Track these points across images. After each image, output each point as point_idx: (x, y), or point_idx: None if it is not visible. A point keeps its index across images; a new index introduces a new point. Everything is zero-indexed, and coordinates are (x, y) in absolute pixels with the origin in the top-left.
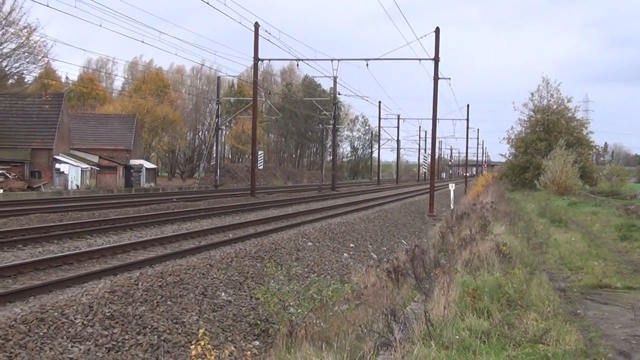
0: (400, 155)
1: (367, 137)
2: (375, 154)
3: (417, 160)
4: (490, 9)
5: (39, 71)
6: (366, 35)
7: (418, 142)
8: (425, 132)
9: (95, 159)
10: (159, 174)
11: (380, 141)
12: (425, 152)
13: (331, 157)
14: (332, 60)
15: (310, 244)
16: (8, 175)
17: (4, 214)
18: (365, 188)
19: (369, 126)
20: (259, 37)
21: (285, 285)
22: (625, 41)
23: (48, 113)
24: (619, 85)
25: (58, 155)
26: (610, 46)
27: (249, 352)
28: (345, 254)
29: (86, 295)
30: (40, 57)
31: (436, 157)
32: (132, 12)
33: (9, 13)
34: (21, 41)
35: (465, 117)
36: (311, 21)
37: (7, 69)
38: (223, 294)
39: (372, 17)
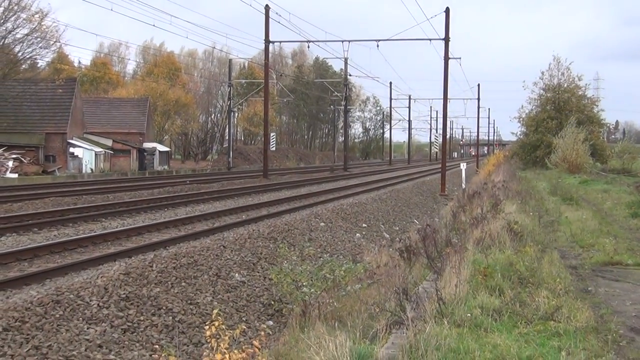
0: (412, 136)
1: (378, 118)
2: (387, 135)
3: (428, 140)
4: None
5: (52, 56)
6: (376, 16)
7: (429, 122)
8: (437, 112)
9: (109, 142)
10: (172, 156)
11: (392, 122)
12: (437, 132)
13: (343, 138)
14: (342, 41)
15: (322, 224)
16: (23, 159)
17: (19, 197)
18: (377, 168)
19: (380, 107)
20: (270, 19)
21: (298, 266)
22: (638, 19)
23: (61, 97)
24: (630, 64)
25: (72, 139)
26: (624, 24)
27: (262, 332)
28: (357, 234)
29: (101, 277)
30: (52, 42)
31: (447, 136)
32: None
33: None
34: (33, 26)
35: (477, 97)
36: (321, 2)
37: (20, 54)
38: (237, 274)
39: None
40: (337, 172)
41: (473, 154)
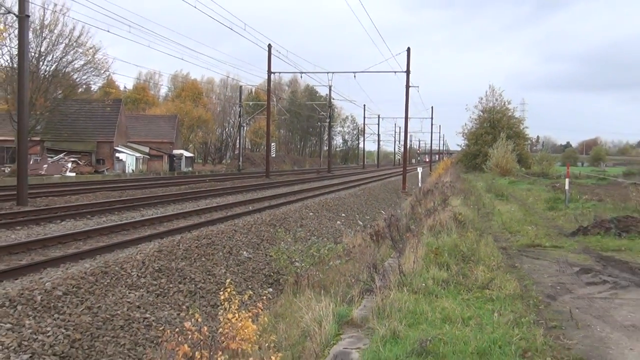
0: (380, 146)
1: (354, 132)
2: (361, 145)
3: (393, 149)
4: (455, 34)
5: (102, 82)
6: (355, 53)
7: (394, 135)
8: (400, 127)
9: (146, 149)
10: (195, 160)
11: (365, 135)
12: (399, 144)
13: (327, 148)
14: (327, 72)
15: (311, 214)
16: (79, 162)
17: (76, 192)
18: (353, 171)
19: (356, 124)
20: (272, 55)
21: (292, 246)
22: (558, 58)
23: (110, 114)
24: (548, 92)
25: (117, 146)
26: (545, 62)
27: (264, 297)
28: (338, 222)
29: (140, 253)
30: (102, 71)
31: (407, 147)
32: (174, 36)
33: (79, 37)
34: (88, 59)
35: (430, 117)
36: (311, 41)
37: (77, 80)
38: (244, 252)
39: (360, 39)
40: (323, 174)
41: (426, 160)
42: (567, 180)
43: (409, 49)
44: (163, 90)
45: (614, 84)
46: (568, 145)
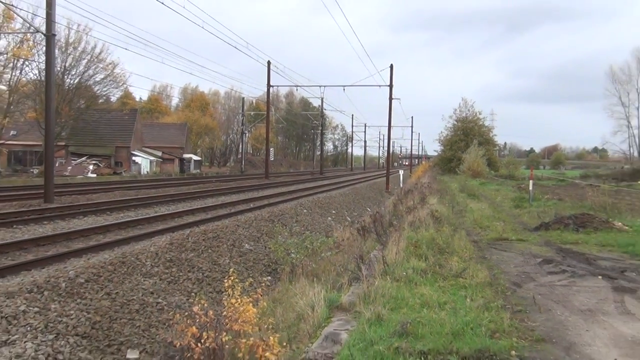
0: (367, 151)
1: (343, 139)
2: (349, 150)
3: (378, 154)
4: (435, 52)
5: (120, 93)
6: (344, 68)
7: (378, 142)
8: (383, 135)
9: (159, 153)
10: (203, 163)
11: (353, 141)
12: (383, 149)
13: (319, 153)
14: (320, 86)
15: (305, 211)
16: (100, 164)
17: (97, 191)
18: (342, 174)
19: (345, 131)
20: (270, 70)
21: (288, 239)
22: (524, 74)
23: (127, 122)
24: (515, 103)
25: (134, 151)
26: (513, 77)
27: (263, 284)
28: (329, 218)
29: (153, 245)
30: (120, 84)
31: (390, 152)
32: (184, 53)
33: (100, 53)
34: (108, 73)
35: (411, 125)
36: (306, 57)
37: (98, 91)
38: (246, 245)
39: (349, 56)
40: (316, 176)
41: (407, 164)
42: (530, 181)
43: (392, 66)
44: (174, 101)
45: (571, 97)
46: (532, 150)
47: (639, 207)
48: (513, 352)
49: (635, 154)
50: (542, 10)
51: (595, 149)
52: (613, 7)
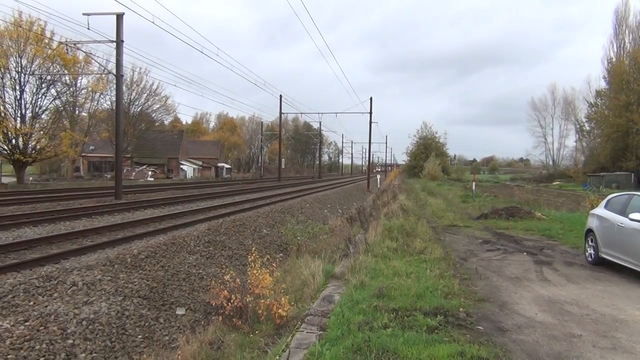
0: (353, 161)
1: (336, 152)
2: (340, 160)
3: (361, 163)
4: (405, 88)
5: (171, 119)
6: (338, 99)
7: (362, 154)
8: (365, 149)
9: (200, 163)
10: (232, 170)
11: (343, 154)
12: (365, 159)
13: (318, 162)
14: (318, 113)
15: (307, 205)
16: (156, 171)
17: (154, 190)
18: (335, 178)
19: (337, 146)
20: (282, 101)
21: (295, 226)
22: (471, 104)
23: (176, 140)
24: (463, 125)
25: (181, 161)
26: (462, 106)
27: (277, 259)
28: (325, 210)
29: (195, 231)
30: (171, 112)
31: (370, 161)
32: (219, 89)
33: (156, 89)
34: (162, 103)
35: (385, 142)
36: (308, 91)
37: (154, 117)
38: (264, 230)
39: (341, 91)
40: (315, 179)
41: (381, 170)
42: (473, 183)
43: (371, 99)
44: (211, 125)
45: (504, 120)
46: (474, 160)
47: (553, 202)
48: (461, 309)
49: (551, 162)
50: (485, 57)
51: (521, 159)
52: (539, 55)
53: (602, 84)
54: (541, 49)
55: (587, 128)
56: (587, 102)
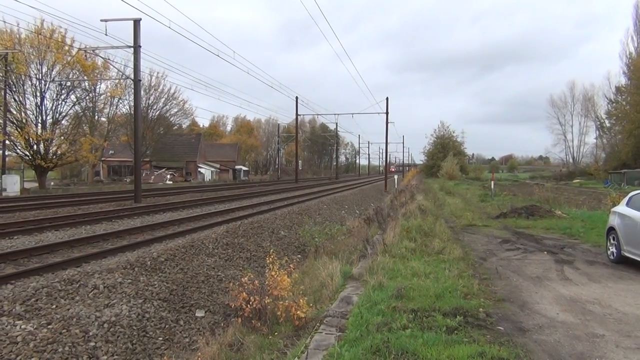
0: (370, 161)
1: (353, 153)
2: (357, 161)
3: (378, 163)
4: (425, 87)
5: (189, 122)
6: (353, 99)
7: (379, 154)
8: (382, 149)
9: (218, 165)
10: (250, 172)
11: (360, 154)
12: (382, 160)
13: (335, 163)
14: (334, 114)
15: (325, 206)
16: (174, 174)
17: (172, 194)
18: (352, 179)
19: (354, 147)
20: (298, 103)
21: (313, 227)
22: (491, 102)
23: (194, 143)
24: (482, 124)
25: (199, 164)
26: (482, 105)
27: (295, 261)
28: (343, 211)
29: (214, 233)
30: (189, 116)
31: (387, 162)
32: (235, 92)
33: (174, 93)
34: (179, 107)
35: (402, 142)
36: (325, 93)
37: (172, 121)
38: (282, 232)
39: (357, 92)
40: (332, 180)
41: (392, 170)
42: (492, 182)
43: (387, 99)
44: (228, 127)
45: (523, 119)
46: (493, 159)
47: (574, 200)
48: (481, 309)
49: (570, 160)
50: (507, 55)
51: (541, 157)
52: (560, 52)
53: (622, 80)
54: (563, 46)
55: (608, 124)
56: (607, 98)
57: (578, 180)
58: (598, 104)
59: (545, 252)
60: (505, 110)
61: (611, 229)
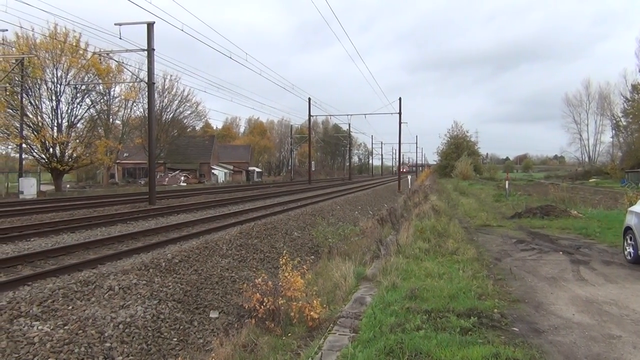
0: (383, 162)
1: (366, 153)
2: (370, 162)
3: (391, 164)
4: (440, 87)
5: (202, 124)
6: (366, 100)
7: (392, 155)
8: (395, 150)
9: (231, 167)
10: (263, 174)
11: (373, 155)
12: (395, 160)
13: (348, 164)
14: (347, 115)
15: (338, 207)
16: (188, 176)
17: (187, 195)
18: (365, 179)
19: (367, 147)
20: (311, 104)
21: (326, 228)
22: (506, 101)
23: (207, 145)
24: (496, 123)
25: (213, 165)
26: (497, 104)
27: (308, 262)
28: (356, 212)
29: (227, 235)
30: (202, 118)
31: (400, 162)
32: (248, 94)
33: (187, 95)
34: (193, 109)
35: (416, 142)
36: (337, 94)
37: (186, 123)
38: (295, 233)
39: (370, 92)
40: (346, 181)
41: (404, 170)
42: (507, 182)
43: (400, 99)
44: (242, 129)
45: (538, 117)
46: (507, 158)
47: (589, 199)
48: (495, 310)
49: (586, 159)
50: (521, 54)
51: (556, 156)
52: (576, 50)
53: (639, 78)
54: (579, 44)
55: (624, 123)
56: (623, 96)
57: (594, 180)
58: (614, 102)
59: (561, 253)
60: (519, 109)
61: (628, 229)
